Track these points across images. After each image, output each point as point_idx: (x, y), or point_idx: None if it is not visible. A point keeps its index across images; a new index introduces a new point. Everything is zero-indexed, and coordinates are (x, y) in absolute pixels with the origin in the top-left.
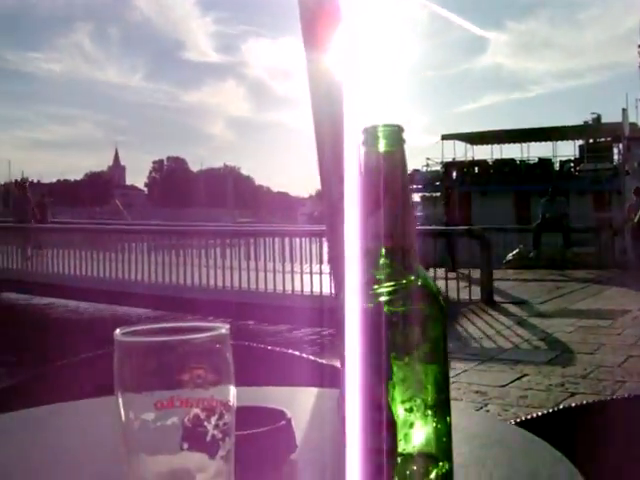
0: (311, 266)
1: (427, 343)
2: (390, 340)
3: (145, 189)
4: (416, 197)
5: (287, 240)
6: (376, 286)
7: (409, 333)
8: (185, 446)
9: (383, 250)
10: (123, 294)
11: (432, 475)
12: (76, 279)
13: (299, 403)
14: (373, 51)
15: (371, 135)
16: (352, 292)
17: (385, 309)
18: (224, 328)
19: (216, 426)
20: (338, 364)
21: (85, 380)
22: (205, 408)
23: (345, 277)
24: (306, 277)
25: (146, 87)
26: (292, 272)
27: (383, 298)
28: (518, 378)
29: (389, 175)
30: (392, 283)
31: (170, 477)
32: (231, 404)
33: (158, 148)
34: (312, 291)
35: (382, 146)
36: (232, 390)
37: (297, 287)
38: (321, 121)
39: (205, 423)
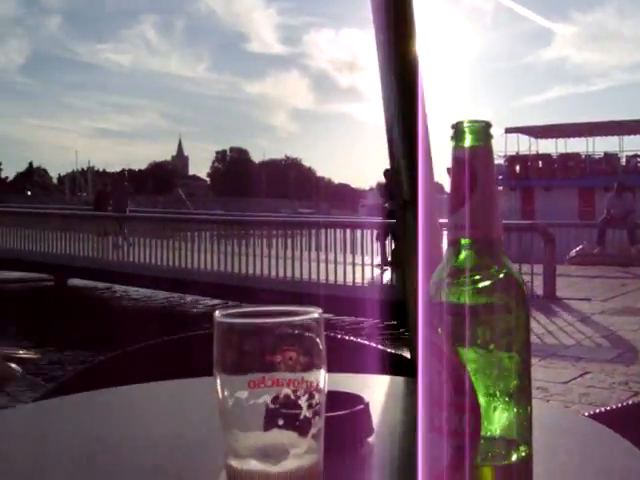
0: (372, 258)
1: (511, 332)
2: (475, 328)
3: (207, 179)
4: None
5: (348, 232)
6: (463, 276)
7: (494, 322)
8: (277, 424)
9: (470, 241)
10: (187, 282)
11: (513, 457)
12: (148, 268)
13: (372, 390)
14: (439, 43)
15: (461, 130)
16: (436, 283)
17: (471, 299)
18: (317, 312)
19: (307, 406)
20: (406, 353)
21: (162, 363)
22: (296, 388)
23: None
24: (367, 269)
25: (210, 78)
26: (353, 264)
27: (469, 288)
28: (580, 375)
29: (477, 168)
30: (478, 273)
31: (262, 452)
32: (321, 386)
33: (221, 139)
34: (373, 282)
35: (471, 141)
36: (323, 372)
37: (358, 278)
38: (392, 112)
39: (296, 403)
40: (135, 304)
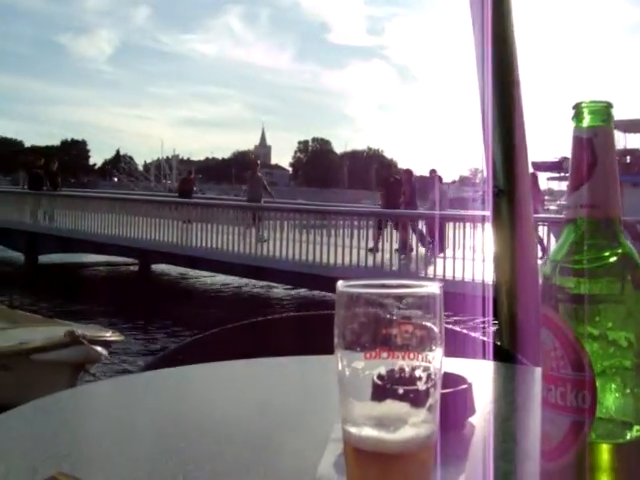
0: (464, 251)
1: (629, 312)
2: (593, 308)
3: (289, 169)
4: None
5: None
6: (581, 255)
7: (612, 301)
8: (392, 395)
9: (590, 220)
10: (266, 270)
11: (627, 436)
12: (224, 254)
13: (470, 373)
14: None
15: (582, 110)
16: (553, 262)
17: (589, 278)
18: (437, 287)
19: (423, 378)
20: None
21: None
22: (413, 360)
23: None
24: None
25: (293, 68)
26: (444, 257)
27: (588, 267)
28: None
29: (598, 148)
30: (597, 252)
31: (378, 421)
32: (438, 358)
33: (303, 129)
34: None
35: (592, 121)
36: (440, 345)
37: (439, 271)
38: (488, 101)
39: (412, 375)
40: (214, 289)
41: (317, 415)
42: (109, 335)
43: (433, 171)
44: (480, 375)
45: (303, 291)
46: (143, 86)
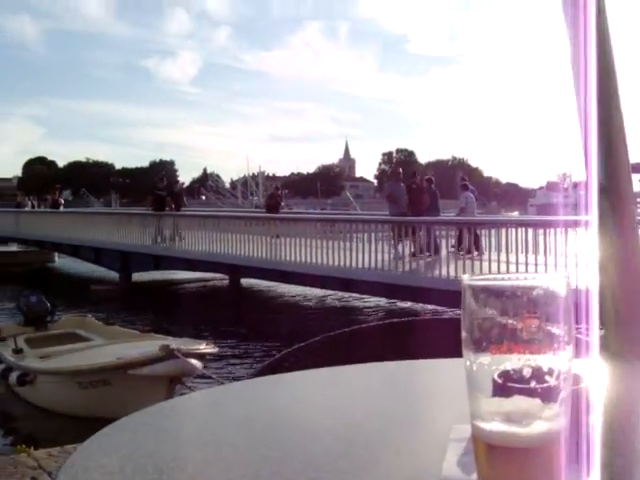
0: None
1: None
2: None
3: (374, 181)
4: None
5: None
6: None
7: None
8: (522, 390)
9: None
10: (352, 282)
11: None
12: (310, 267)
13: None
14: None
15: None
16: None
17: None
18: (565, 281)
19: (555, 374)
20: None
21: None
22: (542, 355)
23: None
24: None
25: (374, 80)
26: (537, 264)
27: None
28: None
29: None
30: None
31: (507, 416)
32: (568, 353)
33: (386, 140)
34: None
35: None
36: (569, 340)
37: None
38: (585, 95)
39: (541, 370)
40: (303, 302)
41: (431, 417)
42: (203, 347)
43: (462, 179)
44: (592, 375)
45: (390, 302)
46: (227, 105)
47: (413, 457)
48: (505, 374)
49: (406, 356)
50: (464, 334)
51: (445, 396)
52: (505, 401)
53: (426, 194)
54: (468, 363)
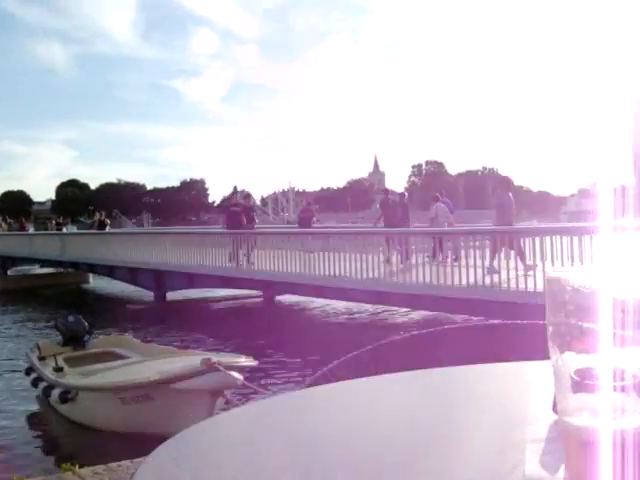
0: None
1: None
2: None
3: (405, 193)
4: None
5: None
6: None
7: None
8: (608, 385)
9: None
10: (384, 294)
11: None
12: (344, 281)
13: None
14: None
15: None
16: None
17: None
18: None
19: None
20: None
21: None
22: (629, 349)
23: None
24: None
25: (400, 92)
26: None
27: None
28: None
29: None
30: None
31: (596, 412)
32: None
33: (416, 152)
34: None
35: None
36: None
37: None
38: None
39: (628, 365)
40: (339, 316)
41: (500, 419)
42: (243, 361)
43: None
44: None
45: (427, 313)
46: (255, 122)
47: (493, 459)
48: (587, 371)
49: (464, 361)
50: (550, 329)
51: (512, 398)
52: (593, 396)
53: (399, 208)
54: (554, 358)
